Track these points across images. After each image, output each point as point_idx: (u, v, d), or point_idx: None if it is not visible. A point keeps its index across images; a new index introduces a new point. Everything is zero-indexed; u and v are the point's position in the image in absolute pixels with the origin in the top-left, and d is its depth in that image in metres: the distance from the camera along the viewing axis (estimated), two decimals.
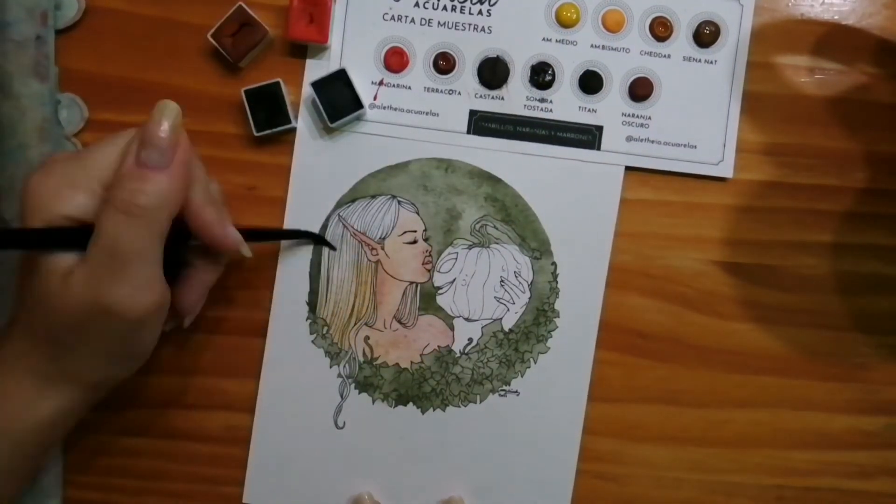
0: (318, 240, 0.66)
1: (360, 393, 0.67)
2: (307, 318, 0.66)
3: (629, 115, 0.66)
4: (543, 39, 0.66)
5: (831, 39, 0.66)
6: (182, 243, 0.57)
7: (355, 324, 0.66)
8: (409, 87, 0.66)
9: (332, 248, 0.66)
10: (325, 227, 0.66)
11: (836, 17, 0.66)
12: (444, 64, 0.65)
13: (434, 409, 0.67)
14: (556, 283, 0.66)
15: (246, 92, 0.64)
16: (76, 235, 0.51)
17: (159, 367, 0.67)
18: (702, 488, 0.68)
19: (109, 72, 0.66)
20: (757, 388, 0.67)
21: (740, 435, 0.68)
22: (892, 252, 0.67)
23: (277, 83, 0.64)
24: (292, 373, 0.67)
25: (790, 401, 0.68)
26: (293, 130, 0.66)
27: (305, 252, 0.66)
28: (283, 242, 0.66)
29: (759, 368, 0.67)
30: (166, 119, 0.52)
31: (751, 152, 0.66)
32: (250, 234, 0.61)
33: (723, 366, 0.67)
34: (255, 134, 0.64)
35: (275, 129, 0.64)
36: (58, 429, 0.57)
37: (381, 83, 0.66)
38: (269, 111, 0.64)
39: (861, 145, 0.66)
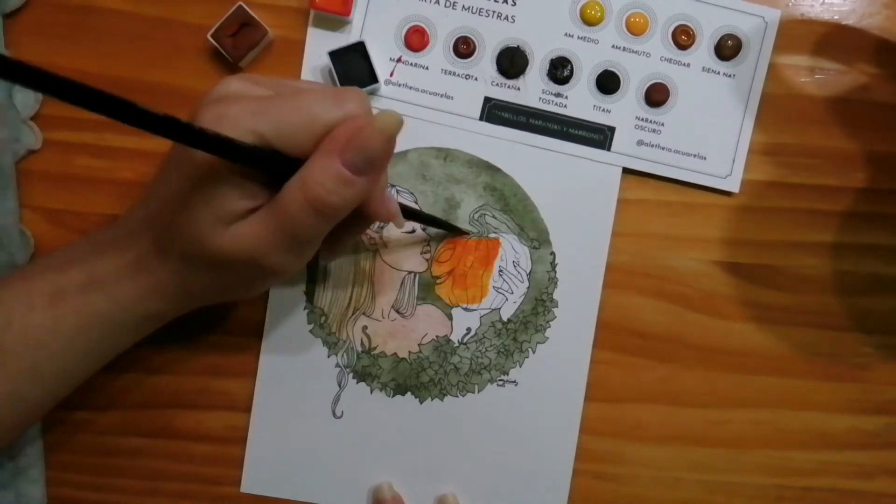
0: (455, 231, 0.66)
1: (358, 382, 0.66)
2: (305, 308, 0.66)
3: (643, 120, 0.66)
4: (566, 35, 0.66)
5: (831, 39, 0.66)
6: None
7: (353, 313, 0.66)
8: (427, 68, 0.66)
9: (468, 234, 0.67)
10: None
11: (836, 17, 0.66)
12: (464, 48, 0.66)
13: (432, 399, 0.66)
14: (555, 272, 0.66)
15: None
16: (284, 164, 0.49)
17: (158, 367, 0.67)
18: (702, 488, 0.67)
19: (109, 72, 0.66)
20: (757, 388, 0.67)
21: (740, 435, 0.67)
22: (892, 252, 0.67)
23: None
24: (290, 362, 0.66)
25: (790, 401, 0.67)
26: None
27: None
28: None
29: (759, 368, 0.67)
30: (387, 130, 0.48)
31: (751, 152, 0.66)
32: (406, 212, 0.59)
33: (723, 366, 0.67)
34: None
35: None
36: (152, 325, 0.58)
37: (399, 60, 0.66)
38: None
39: (861, 145, 0.66)
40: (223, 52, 0.64)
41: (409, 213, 0.61)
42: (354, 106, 0.49)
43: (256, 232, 0.49)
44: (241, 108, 0.48)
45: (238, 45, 0.64)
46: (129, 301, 0.54)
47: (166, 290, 0.54)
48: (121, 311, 0.55)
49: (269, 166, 0.48)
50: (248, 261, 0.50)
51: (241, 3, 0.64)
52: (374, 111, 0.50)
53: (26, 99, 0.65)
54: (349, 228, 0.56)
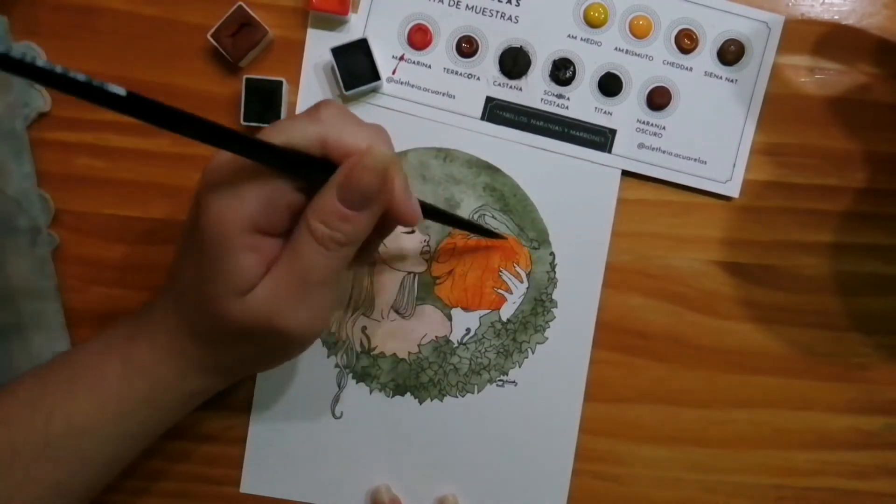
0: (484, 233, 0.66)
1: (357, 383, 0.66)
2: None
3: (644, 123, 0.66)
4: (569, 36, 0.66)
5: (831, 39, 0.66)
6: None
7: (353, 314, 0.66)
8: (429, 66, 0.66)
9: (502, 237, 0.67)
10: None
11: (836, 17, 0.66)
12: (466, 47, 0.66)
13: (432, 400, 0.66)
14: (555, 273, 0.66)
15: (247, 80, 0.64)
16: (318, 166, 0.50)
17: None
18: (701, 488, 0.67)
19: (109, 72, 0.66)
20: (757, 388, 0.67)
21: (740, 435, 0.67)
22: (892, 252, 0.67)
23: (280, 82, 0.64)
24: (289, 362, 0.66)
25: (790, 401, 0.67)
26: None
27: None
28: None
29: (759, 368, 0.67)
30: (377, 166, 0.50)
31: (750, 152, 0.66)
32: (425, 207, 0.59)
33: (723, 366, 0.67)
34: (241, 123, 0.64)
35: (262, 124, 0.64)
36: (197, 400, 0.59)
37: (401, 58, 0.66)
38: (264, 106, 0.64)
39: (861, 145, 0.66)
40: (223, 52, 0.64)
41: (435, 214, 0.62)
42: (326, 112, 0.51)
43: (270, 290, 0.51)
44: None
45: (238, 45, 0.64)
46: (169, 382, 0.56)
47: (205, 368, 0.56)
48: (162, 392, 0.56)
49: (301, 169, 0.50)
50: (265, 325, 0.51)
51: (240, 3, 0.64)
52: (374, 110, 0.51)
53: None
54: (372, 237, 0.57)
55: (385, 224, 0.56)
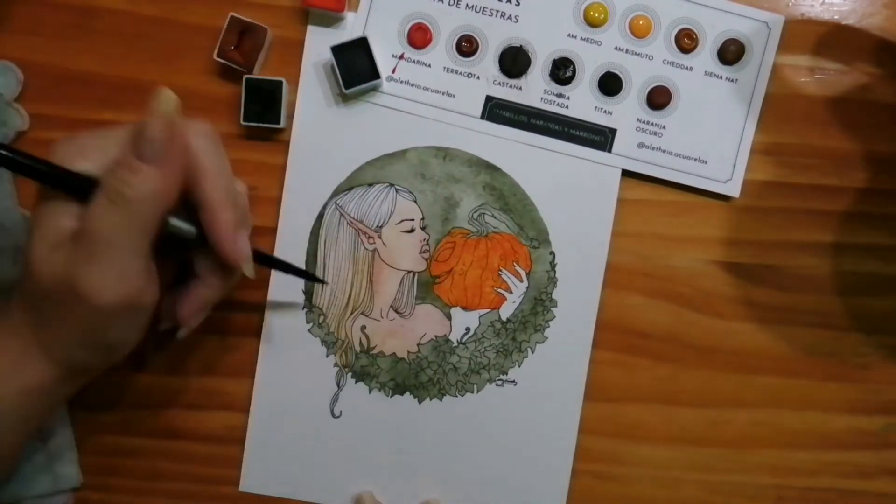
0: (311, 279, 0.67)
1: (356, 382, 0.66)
2: (303, 308, 0.66)
3: (644, 122, 0.66)
4: (569, 35, 0.66)
5: (831, 39, 0.66)
6: (190, 246, 0.56)
7: (352, 313, 0.66)
8: (429, 65, 0.66)
9: (324, 282, 0.67)
10: (321, 215, 0.66)
11: (836, 17, 0.66)
12: (466, 46, 0.66)
13: (431, 399, 0.66)
14: (555, 272, 0.66)
15: (247, 80, 0.64)
16: (84, 183, 0.51)
17: (157, 368, 0.67)
18: (702, 488, 0.67)
19: (109, 72, 0.67)
20: (757, 388, 0.67)
21: (740, 435, 0.67)
22: (892, 252, 0.67)
23: (280, 82, 0.64)
24: (289, 362, 0.66)
25: (790, 401, 0.67)
26: (279, 131, 0.66)
27: (302, 241, 0.66)
28: (281, 229, 0.66)
29: (759, 368, 0.67)
30: (161, 110, 0.51)
31: (751, 152, 0.66)
32: (262, 258, 0.61)
33: (723, 366, 0.67)
34: (241, 123, 0.64)
35: (262, 124, 0.65)
36: (37, 403, 0.56)
37: (401, 57, 0.66)
38: (264, 105, 0.64)
39: (861, 145, 0.66)
40: (235, 66, 0.64)
41: (267, 261, 0.63)
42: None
43: (68, 249, 0.51)
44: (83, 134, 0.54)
45: (246, 54, 0.64)
46: (6, 370, 0.54)
47: (33, 354, 0.54)
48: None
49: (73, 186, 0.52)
50: (65, 285, 0.51)
51: (231, 13, 0.64)
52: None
53: (8, 82, 0.66)
54: (203, 287, 0.58)
55: (219, 277, 0.58)
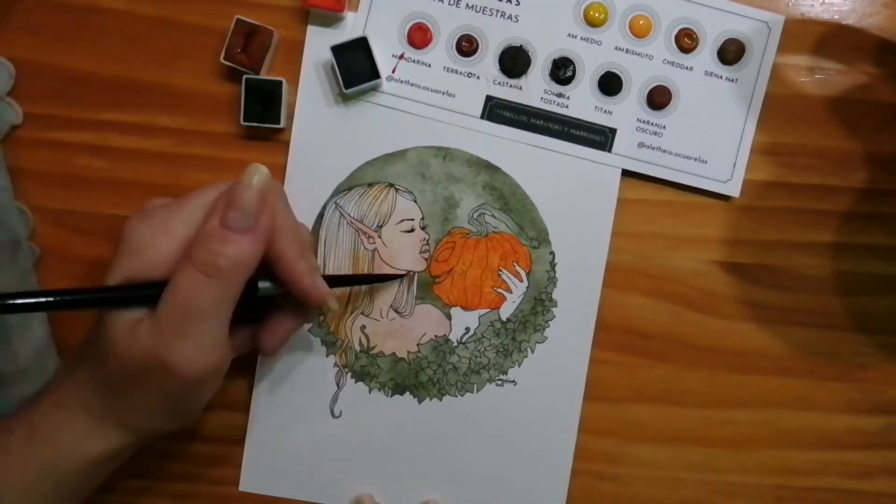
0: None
1: (356, 382, 0.66)
2: None
3: (644, 122, 0.66)
4: (569, 35, 0.66)
5: (831, 39, 0.66)
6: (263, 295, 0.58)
7: (352, 313, 0.66)
8: (429, 65, 0.66)
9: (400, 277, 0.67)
10: (321, 214, 0.66)
11: (836, 17, 0.66)
12: (466, 46, 0.66)
13: (431, 399, 0.66)
14: (555, 272, 0.66)
15: (247, 80, 0.64)
16: (150, 291, 0.52)
17: None
18: (702, 488, 0.67)
19: (109, 72, 0.67)
20: (757, 388, 0.67)
21: (740, 435, 0.67)
22: (892, 252, 0.67)
23: (280, 82, 0.64)
24: (288, 362, 0.66)
25: (790, 401, 0.67)
26: (279, 131, 0.66)
27: None
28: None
29: (759, 368, 0.67)
30: (255, 183, 0.52)
31: (751, 152, 0.66)
32: (335, 281, 0.62)
33: (723, 366, 0.67)
34: (242, 123, 0.64)
35: (262, 124, 0.65)
36: (101, 470, 0.57)
37: (401, 57, 0.66)
38: (264, 105, 0.64)
39: (861, 145, 0.66)
40: (242, 68, 0.64)
41: (341, 282, 0.65)
42: (219, 186, 0.54)
43: (153, 323, 0.51)
44: (161, 206, 0.54)
45: (252, 56, 0.64)
46: (72, 444, 0.54)
47: (105, 425, 0.55)
48: (66, 456, 0.54)
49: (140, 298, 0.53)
50: (153, 360, 0.51)
51: (237, 16, 0.64)
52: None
53: (0, 77, 0.66)
54: (287, 318, 0.60)
55: (294, 309, 0.59)
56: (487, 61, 0.66)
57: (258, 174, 0.52)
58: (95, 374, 0.54)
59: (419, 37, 0.66)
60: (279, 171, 0.66)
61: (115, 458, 0.57)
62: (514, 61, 0.65)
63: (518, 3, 0.66)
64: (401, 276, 0.66)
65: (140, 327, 0.51)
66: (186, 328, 0.51)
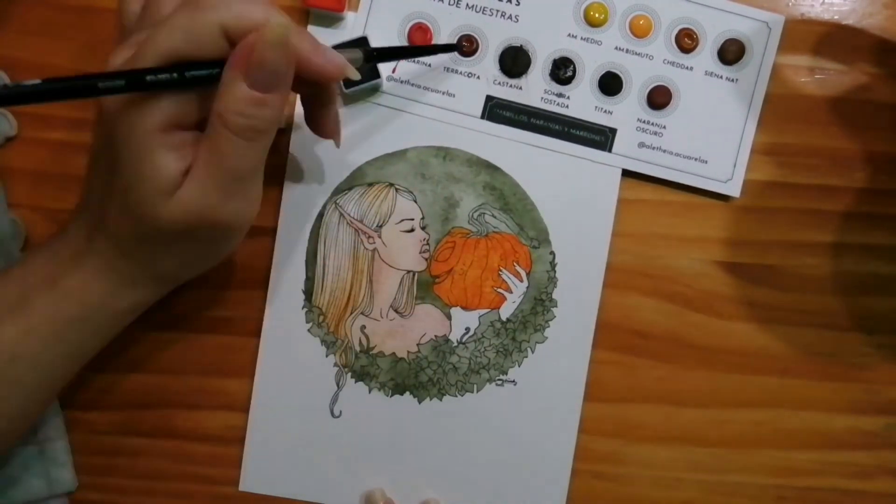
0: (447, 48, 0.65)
1: (356, 382, 0.66)
2: (303, 307, 0.66)
3: (644, 122, 0.66)
4: (569, 35, 0.66)
5: (831, 39, 0.66)
6: None
7: (351, 313, 0.66)
8: (429, 65, 0.66)
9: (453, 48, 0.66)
10: (321, 215, 0.66)
11: (836, 17, 0.66)
12: (466, 46, 0.65)
13: (431, 399, 0.66)
14: (555, 272, 0.66)
15: None
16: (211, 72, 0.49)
17: (157, 368, 0.67)
18: (702, 488, 0.67)
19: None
20: (757, 388, 0.67)
21: (740, 435, 0.67)
22: (892, 252, 0.67)
23: None
24: (288, 361, 0.66)
25: (790, 401, 0.67)
26: (279, 131, 0.65)
27: (302, 239, 0.66)
28: (280, 229, 0.66)
29: (759, 368, 0.67)
30: (278, 39, 0.49)
31: (751, 152, 0.66)
32: (381, 54, 0.62)
33: (723, 366, 0.67)
34: None
35: None
36: (127, 319, 0.58)
37: None
38: None
39: (861, 145, 0.66)
40: None
41: (381, 55, 0.63)
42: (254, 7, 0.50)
43: (198, 187, 0.50)
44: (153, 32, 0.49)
45: None
46: (101, 301, 0.55)
47: (135, 281, 0.55)
48: (95, 311, 0.55)
49: (189, 81, 0.49)
50: (202, 221, 0.51)
51: None
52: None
53: None
54: (316, 102, 0.59)
55: (318, 90, 0.58)
56: (487, 61, 0.66)
57: (278, 28, 0.49)
58: (122, 239, 0.53)
59: (419, 37, 0.65)
60: (279, 171, 0.66)
61: (144, 306, 0.58)
62: (514, 61, 0.65)
63: (518, 3, 0.66)
64: (451, 48, 0.65)
65: (182, 193, 0.50)
66: (237, 188, 0.51)
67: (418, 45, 0.65)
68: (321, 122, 0.59)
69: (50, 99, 0.46)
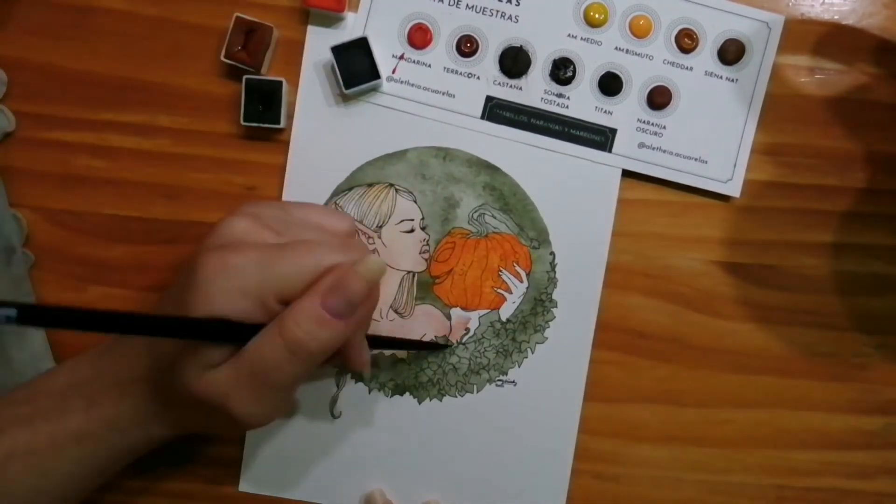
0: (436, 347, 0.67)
1: (356, 383, 0.66)
2: None
3: (644, 122, 0.66)
4: (569, 35, 0.66)
5: (831, 39, 0.66)
6: None
7: None
8: (429, 66, 0.66)
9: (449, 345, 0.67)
10: None
11: (836, 17, 0.66)
12: (467, 46, 0.65)
13: (431, 399, 0.66)
14: (555, 272, 0.66)
15: (247, 80, 0.64)
16: (240, 330, 0.50)
17: None
18: (702, 488, 0.67)
19: (109, 72, 0.67)
20: (757, 388, 0.67)
21: (740, 435, 0.67)
22: (892, 252, 0.67)
23: (280, 82, 0.64)
24: None
25: (790, 401, 0.67)
26: (279, 131, 0.66)
27: None
28: None
29: (759, 368, 0.67)
30: (368, 275, 0.51)
31: (751, 152, 0.66)
32: (376, 342, 0.63)
33: (723, 366, 0.67)
34: (242, 123, 0.64)
35: (262, 125, 0.64)
36: (150, 447, 0.59)
37: (401, 57, 0.66)
38: (264, 105, 0.64)
39: (861, 145, 0.66)
40: (242, 66, 0.64)
41: (384, 344, 0.65)
42: (317, 250, 0.52)
43: (230, 377, 0.50)
44: (247, 259, 0.50)
45: (253, 53, 0.64)
46: (130, 429, 0.56)
47: (165, 421, 0.56)
48: (121, 436, 0.56)
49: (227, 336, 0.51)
50: (217, 406, 0.51)
51: (236, 13, 0.64)
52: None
53: None
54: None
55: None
56: (487, 61, 0.66)
57: (374, 266, 0.51)
58: (158, 385, 0.54)
59: (419, 37, 0.65)
60: (279, 172, 0.66)
61: (165, 439, 0.58)
62: (514, 61, 0.65)
63: (518, 4, 0.66)
64: (443, 348, 0.66)
65: (214, 373, 0.51)
66: (261, 392, 0.51)
67: (409, 340, 0.67)
68: (351, 358, 0.57)
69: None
